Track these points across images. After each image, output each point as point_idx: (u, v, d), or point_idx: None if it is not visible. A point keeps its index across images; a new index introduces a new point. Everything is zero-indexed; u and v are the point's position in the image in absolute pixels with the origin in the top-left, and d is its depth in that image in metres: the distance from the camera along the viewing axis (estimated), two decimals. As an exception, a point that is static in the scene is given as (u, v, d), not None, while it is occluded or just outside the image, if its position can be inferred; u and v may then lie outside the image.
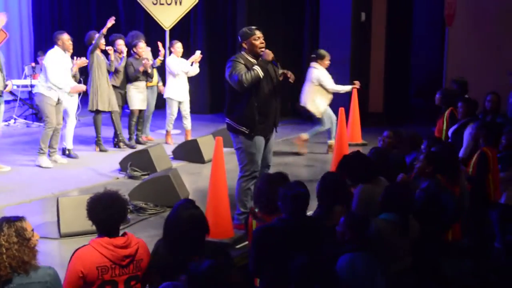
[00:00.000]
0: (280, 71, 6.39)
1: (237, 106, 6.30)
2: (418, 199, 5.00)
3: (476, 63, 11.43)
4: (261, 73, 6.10)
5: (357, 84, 10.19)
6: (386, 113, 12.76)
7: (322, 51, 10.09)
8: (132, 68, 10.21)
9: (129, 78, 10.28)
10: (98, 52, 9.79)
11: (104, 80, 9.79)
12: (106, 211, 3.85)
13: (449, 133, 7.44)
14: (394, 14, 12.88)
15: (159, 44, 10.80)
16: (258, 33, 6.26)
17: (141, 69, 10.21)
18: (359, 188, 5.15)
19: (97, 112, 9.85)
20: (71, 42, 9.10)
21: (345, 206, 4.76)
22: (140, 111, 10.52)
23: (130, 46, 10.46)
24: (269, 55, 6.20)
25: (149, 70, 10.40)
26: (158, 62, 10.62)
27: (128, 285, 3.89)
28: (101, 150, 9.97)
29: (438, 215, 4.97)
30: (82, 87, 9.37)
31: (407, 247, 4.40)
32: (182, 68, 10.58)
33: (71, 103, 9.53)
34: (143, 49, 10.38)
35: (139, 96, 10.39)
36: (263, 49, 6.23)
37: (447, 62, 11.44)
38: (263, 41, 6.26)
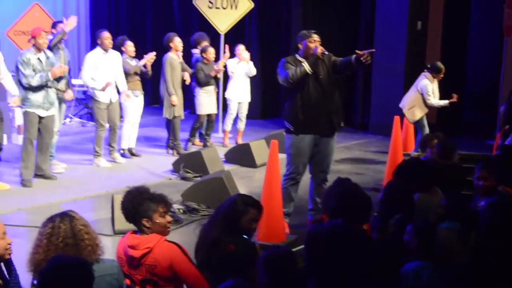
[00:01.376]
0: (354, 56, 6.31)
1: (286, 104, 6.48)
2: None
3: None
4: (308, 68, 6.14)
5: (454, 97, 9.95)
6: (439, 124, 12.57)
7: (439, 65, 9.85)
8: (203, 73, 10.17)
9: (200, 83, 10.24)
10: (173, 55, 9.85)
11: (178, 85, 9.86)
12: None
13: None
14: (451, 24, 12.66)
15: (226, 46, 10.81)
16: (315, 37, 6.32)
17: (213, 74, 10.19)
18: (416, 197, 5.05)
19: (174, 117, 9.91)
20: (110, 41, 9.18)
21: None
22: (209, 115, 10.47)
23: (194, 46, 10.50)
24: (318, 49, 6.21)
25: (219, 75, 10.44)
26: (221, 64, 10.50)
27: (143, 287, 3.87)
28: (178, 153, 9.81)
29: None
30: (109, 83, 9.09)
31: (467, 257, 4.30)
32: (241, 70, 10.68)
33: (132, 103, 9.64)
34: (212, 54, 10.29)
35: (208, 100, 10.35)
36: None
37: (504, 74, 11.20)
38: (319, 45, 6.28)
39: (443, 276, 3.81)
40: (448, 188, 5.40)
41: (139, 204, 3.87)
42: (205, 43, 10.47)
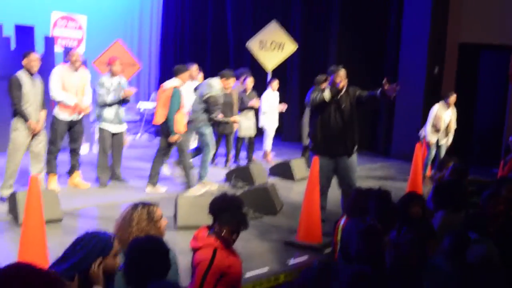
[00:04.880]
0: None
1: (310, 125, 6.48)
2: None
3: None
4: (326, 95, 6.08)
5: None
6: (451, 153, 12.32)
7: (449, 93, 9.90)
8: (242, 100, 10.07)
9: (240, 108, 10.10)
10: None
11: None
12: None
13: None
14: (464, 68, 12.52)
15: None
16: (341, 72, 6.28)
17: (250, 105, 10.01)
18: (443, 213, 4.81)
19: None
20: (198, 72, 9.24)
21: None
22: (249, 138, 10.26)
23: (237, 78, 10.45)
24: (341, 83, 6.14)
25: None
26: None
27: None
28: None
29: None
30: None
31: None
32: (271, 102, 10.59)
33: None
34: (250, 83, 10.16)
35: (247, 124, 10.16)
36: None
37: (509, 114, 10.96)
38: (344, 80, 6.23)
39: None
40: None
41: (225, 209, 3.71)
42: (249, 78, 10.30)
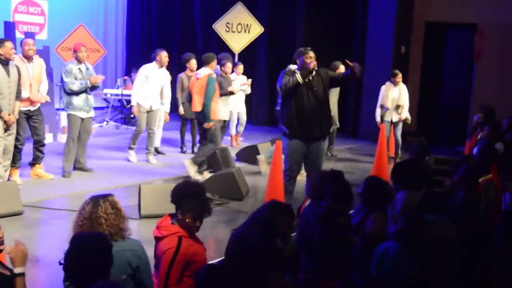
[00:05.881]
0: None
1: (283, 110, 6.30)
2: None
3: (500, 92, 11.04)
4: (299, 78, 6.01)
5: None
6: (418, 132, 12.42)
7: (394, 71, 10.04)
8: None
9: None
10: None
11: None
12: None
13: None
14: (430, 48, 12.59)
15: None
16: (310, 53, 6.18)
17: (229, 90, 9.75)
18: (404, 193, 4.81)
19: None
20: (168, 59, 8.99)
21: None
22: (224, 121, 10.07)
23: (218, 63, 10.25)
24: (311, 65, 6.06)
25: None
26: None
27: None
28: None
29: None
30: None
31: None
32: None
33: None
34: (229, 69, 9.95)
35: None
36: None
37: (474, 92, 11.05)
38: (314, 61, 6.13)
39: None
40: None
41: (185, 197, 3.61)
42: (229, 63, 10.20)
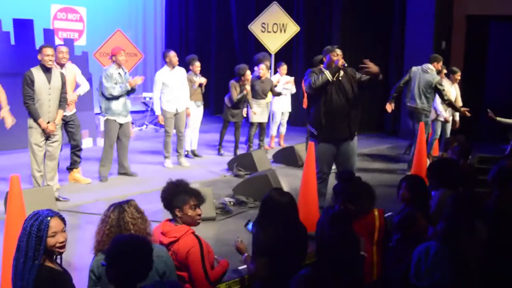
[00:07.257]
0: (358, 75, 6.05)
1: (311, 110, 6.12)
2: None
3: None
4: (329, 76, 5.84)
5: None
6: (462, 130, 12.03)
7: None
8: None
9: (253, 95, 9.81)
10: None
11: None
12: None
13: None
14: (472, 43, 12.18)
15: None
16: (338, 51, 6.03)
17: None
18: (440, 192, 4.65)
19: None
20: (177, 58, 8.87)
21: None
22: (260, 123, 10.02)
23: (257, 64, 10.09)
24: (340, 61, 5.89)
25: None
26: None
27: None
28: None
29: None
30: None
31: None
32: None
33: (194, 112, 9.36)
34: (264, 70, 9.86)
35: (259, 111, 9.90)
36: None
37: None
38: (341, 59, 5.96)
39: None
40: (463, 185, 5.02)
41: (174, 195, 3.72)
42: (266, 62, 10.08)
